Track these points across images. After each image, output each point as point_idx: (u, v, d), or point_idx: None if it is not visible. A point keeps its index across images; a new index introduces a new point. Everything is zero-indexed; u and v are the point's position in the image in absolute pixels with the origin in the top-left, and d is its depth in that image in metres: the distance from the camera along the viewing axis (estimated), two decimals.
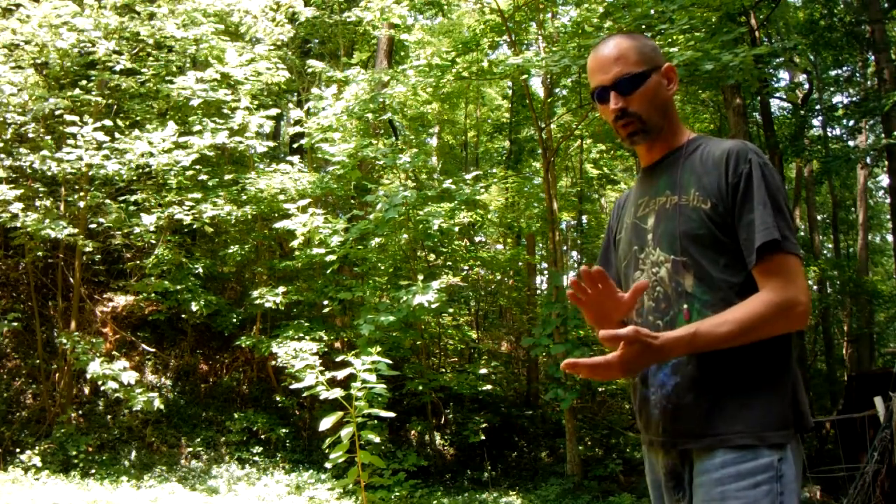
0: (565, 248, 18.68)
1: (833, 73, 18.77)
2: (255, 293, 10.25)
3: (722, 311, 1.59)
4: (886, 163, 13.87)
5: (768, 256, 1.59)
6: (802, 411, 1.65)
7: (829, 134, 18.66)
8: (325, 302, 10.38)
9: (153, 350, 10.92)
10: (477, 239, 17.88)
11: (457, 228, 12.49)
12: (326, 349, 10.31)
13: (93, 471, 8.67)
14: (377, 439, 8.43)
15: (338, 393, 3.60)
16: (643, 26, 8.55)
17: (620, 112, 1.75)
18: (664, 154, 1.82)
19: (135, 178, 9.33)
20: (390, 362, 3.96)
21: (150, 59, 9.83)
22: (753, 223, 1.60)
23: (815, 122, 18.19)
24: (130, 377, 8.55)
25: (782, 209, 1.62)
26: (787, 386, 1.63)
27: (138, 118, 10.00)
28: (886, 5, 14.88)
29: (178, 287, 9.92)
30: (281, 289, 10.33)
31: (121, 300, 11.25)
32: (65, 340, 8.95)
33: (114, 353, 10.07)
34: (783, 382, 1.63)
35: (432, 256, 13.61)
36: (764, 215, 1.59)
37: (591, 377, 1.61)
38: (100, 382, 8.69)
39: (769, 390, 1.61)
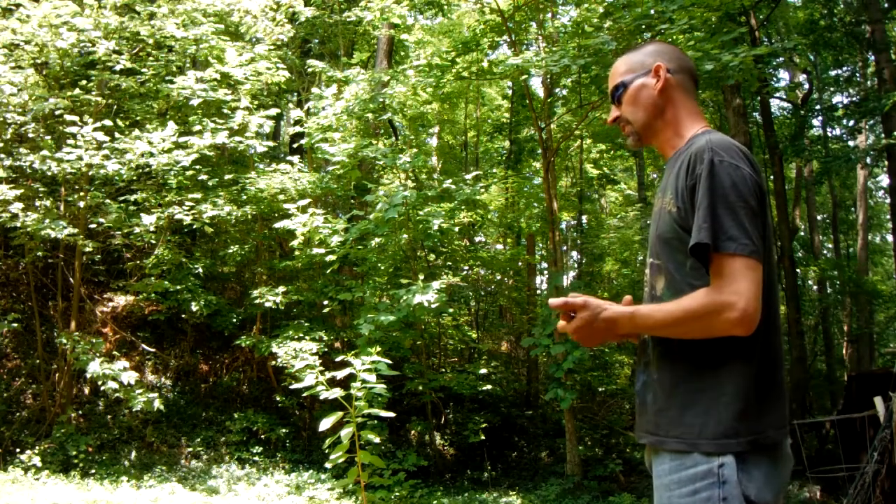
0: (565, 248, 18.68)
1: (833, 73, 18.79)
2: (255, 293, 10.25)
3: None
4: (886, 163, 13.87)
5: (711, 259, 1.54)
6: (770, 423, 1.58)
7: (829, 134, 18.69)
8: (325, 302, 10.38)
9: (153, 350, 10.91)
10: (477, 239, 17.89)
11: (457, 228, 12.50)
12: (326, 349, 10.30)
13: (93, 471, 8.67)
14: (377, 439, 8.42)
15: (338, 393, 3.60)
16: (643, 26, 8.55)
17: (614, 120, 1.92)
18: (671, 155, 1.84)
19: (135, 178, 9.32)
20: (390, 362, 3.96)
21: (150, 59, 9.83)
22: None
23: (815, 122, 18.21)
24: (130, 377, 8.54)
25: (732, 206, 1.53)
26: (739, 394, 1.56)
27: (138, 118, 10.00)
28: (886, 5, 14.88)
29: (178, 287, 9.92)
30: (281, 289, 10.33)
31: (121, 300, 11.25)
32: (65, 340, 8.95)
33: (114, 353, 10.07)
34: (732, 390, 1.56)
35: (432, 256, 13.60)
36: (697, 218, 1.56)
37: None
38: (100, 382, 8.69)
39: (713, 397, 1.57)
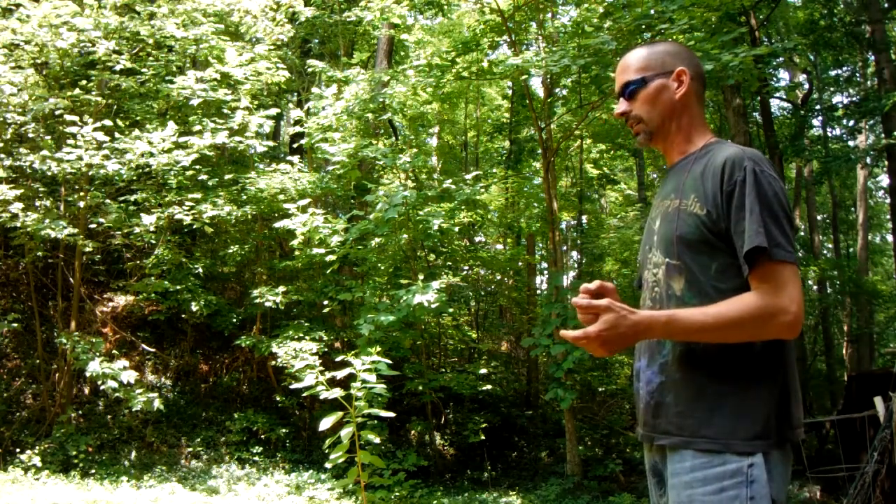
0: (565, 248, 18.68)
1: (833, 73, 18.79)
2: (255, 293, 10.25)
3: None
4: (886, 163, 13.87)
5: (758, 264, 1.59)
6: (790, 424, 1.64)
7: (829, 134, 18.69)
8: (325, 302, 10.38)
9: (153, 350, 10.91)
10: (477, 239, 17.88)
11: (457, 228, 12.49)
12: (326, 349, 10.30)
13: (93, 471, 8.67)
14: (377, 439, 8.43)
15: (338, 393, 3.60)
16: (643, 26, 8.55)
17: (623, 115, 1.88)
18: (679, 158, 1.86)
19: (135, 178, 9.32)
20: (390, 362, 3.96)
21: (150, 59, 9.82)
22: (744, 232, 1.61)
23: (815, 122, 18.21)
24: (130, 376, 8.54)
25: (776, 216, 1.60)
26: (768, 396, 1.62)
27: (138, 118, 9.99)
28: (886, 5, 14.89)
29: (178, 287, 9.92)
30: (281, 289, 10.32)
31: (121, 300, 11.25)
32: (65, 340, 8.94)
33: (114, 352, 10.06)
34: (762, 392, 1.62)
35: (432, 256, 13.60)
36: (751, 223, 1.59)
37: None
38: (99, 382, 8.69)
39: (742, 399, 1.61)
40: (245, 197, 10.32)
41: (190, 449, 9.92)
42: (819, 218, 22.82)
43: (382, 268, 11.67)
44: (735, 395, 1.61)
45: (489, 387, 12.90)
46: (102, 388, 8.76)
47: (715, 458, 1.60)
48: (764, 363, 1.63)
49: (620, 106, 1.88)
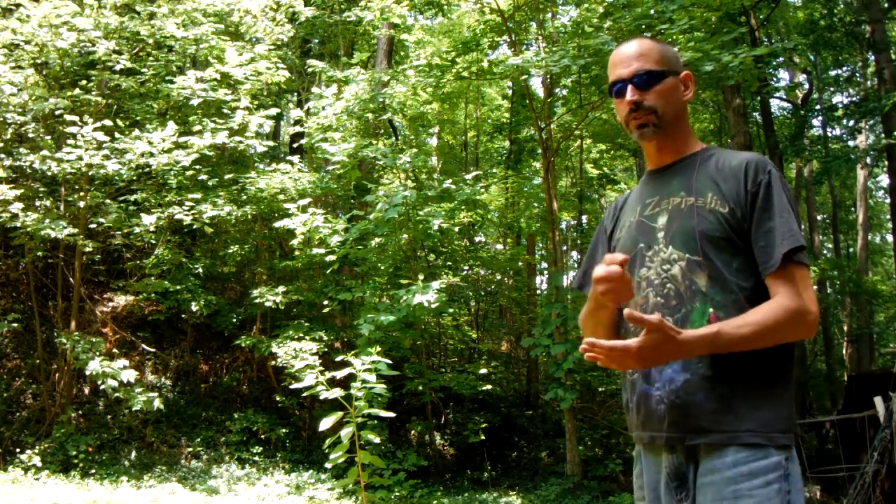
0: (565, 248, 18.69)
1: (833, 73, 18.80)
2: (255, 293, 10.25)
3: (737, 314, 1.64)
4: (886, 163, 13.87)
5: (786, 264, 1.64)
6: (794, 421, 1.74)
7: (829, 134, 18.69)
8: (325, 302, 10.38)
9: (153, 350, 10.91)
10: (477, 239, 17.88)
11: (457, 228, 12.49)
12: (326, 349, 10.30)
13: (93, 471, 8.66)
14: (377, 439, 8.41)
15: (338, 393, 3.61)
16: (643, 26, 8.55)
17: (635, 105, 1.81)
18: (675, 159, 1.87)
19: (135, 178, 9.31)
20: (390, 362, 3.96)
21: (150, 59, 9.83)
22: (774, 231, 1.65)
23: (815, 122, 18.20)
24: (130, 376, 8.54)
25: (797, 221, 1.69)
26: (790, 392, 1.71)
27: (138, 118, 9.99)
28: (886, 5, 14.89)
29: (178, 287, 9.92)
30: (281, 289, 10.33)
31: (121, 300, 11.25)
32: (65, 340, 8.94)
33: (114, 352, 10.06)
34: (787, 388, 1.70)
35: (432, 256, 13.60)
36: (785, 223, 1.65)
37: (605, 362, 1.62)
38: (99, 382, 8.68)
39: (777, 394, 1.67)
40: (245, 197, 10.32)
41: (190, 449, 9.92)
42: (819, 218, 22.84)
43: (382, 268, 11.66)
44: (770, 392, 1.66)
45: (489, 387, 12.89)
46: (102, 387, 8.74)
47: (758, 452, 1.62)
48: (783, 360, 1.69)
49: (633, 94, 1.80)
